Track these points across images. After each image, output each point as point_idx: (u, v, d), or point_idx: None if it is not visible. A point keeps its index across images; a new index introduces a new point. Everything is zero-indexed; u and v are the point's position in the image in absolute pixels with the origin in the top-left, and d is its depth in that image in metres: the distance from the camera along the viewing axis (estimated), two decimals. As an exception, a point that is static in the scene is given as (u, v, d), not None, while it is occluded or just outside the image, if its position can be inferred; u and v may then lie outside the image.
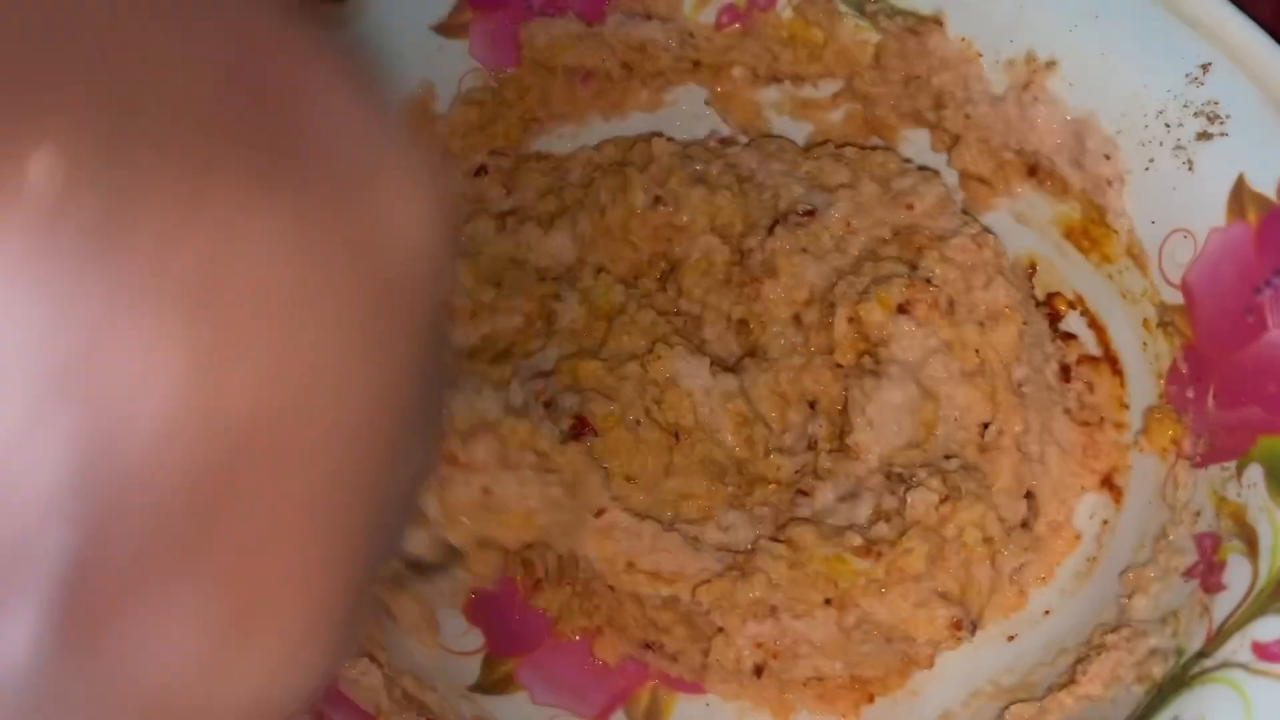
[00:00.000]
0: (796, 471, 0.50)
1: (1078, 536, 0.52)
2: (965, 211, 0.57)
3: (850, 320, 0.50)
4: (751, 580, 0.47)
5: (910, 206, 0.55)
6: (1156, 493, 0.51)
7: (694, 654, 0.50)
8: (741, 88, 0.61)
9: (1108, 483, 0.53)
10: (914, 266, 0.52)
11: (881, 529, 0.47)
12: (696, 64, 0.61)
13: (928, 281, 0.50)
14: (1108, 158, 0.54)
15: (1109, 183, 0.54)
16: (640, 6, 0.59)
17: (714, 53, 0.60)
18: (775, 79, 0.61)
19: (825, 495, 0.48)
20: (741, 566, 0.48)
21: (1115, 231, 0.54)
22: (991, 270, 0.52)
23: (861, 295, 0.51)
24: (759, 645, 0.47)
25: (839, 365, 0.52)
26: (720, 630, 0.48)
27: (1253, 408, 0.47)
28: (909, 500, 0.47)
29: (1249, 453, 0.47)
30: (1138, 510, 0.52)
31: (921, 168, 0.59)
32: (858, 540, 0.46)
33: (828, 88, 0.61)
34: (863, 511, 0.48)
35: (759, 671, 0.48)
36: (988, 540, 0.46)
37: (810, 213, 0.56)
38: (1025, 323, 0.51)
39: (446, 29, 0.57)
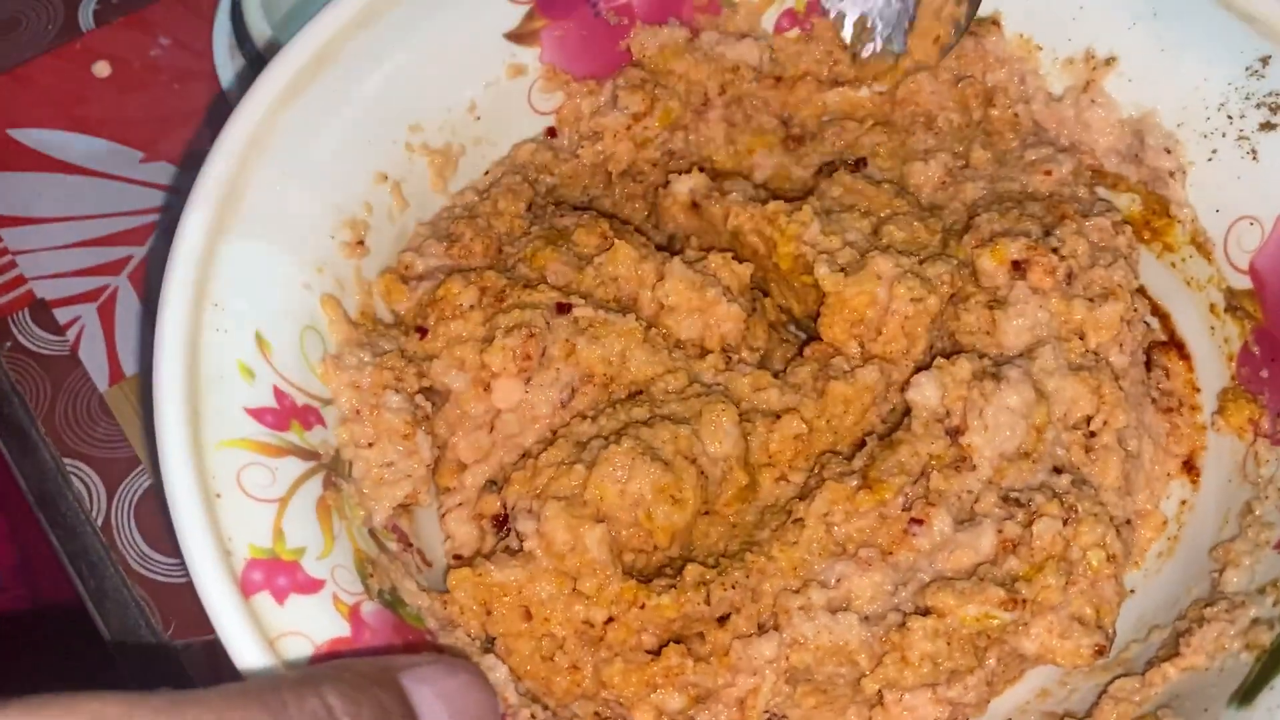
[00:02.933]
0: (904, 492, 0.49)
1: (1165, 522, 0.53)
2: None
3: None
4: (910, 655, 0.46)
5: (1048, 173, 0.57)
6: (1236, 471, 0.52)
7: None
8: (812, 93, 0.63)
9: (1188, 465, 0.54)
10: (1048, 232, 0.53)
11: (1012, 564, 0.47)
12: (778, 80, 0.63)
13: (1055, 250, 0.52)
14: (1169, 151, 0.55)
15: (1171, 175, 0.56)
16: (732, 26, 0.62)
17: (788, 62, 0.62)
18: (836, 83, 0.63)
19: (943, 522, 0.48)
20: (899, 645, 0.47)
21: (1178, 222, 0.56)
22: (1119, 255, 0.53)
23: (985, 241, 0.53)
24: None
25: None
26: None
27: (1331, 384, 0.49)
28: (1035, 532, 0.46)
29: (1332, 426, 0.48)
30: (1217, 489, 0.53)
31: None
32: (1001, 593, 0.46)
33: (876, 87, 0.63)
34: (985, 542, 0.47)
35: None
36: (1112, 558, 0.46)
37: (860, 163, 0.59)
38: (1135, 308, 0.53)
39: (518, 37, 0.58)
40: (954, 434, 0.50)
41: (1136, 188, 0.58)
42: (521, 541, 0.48)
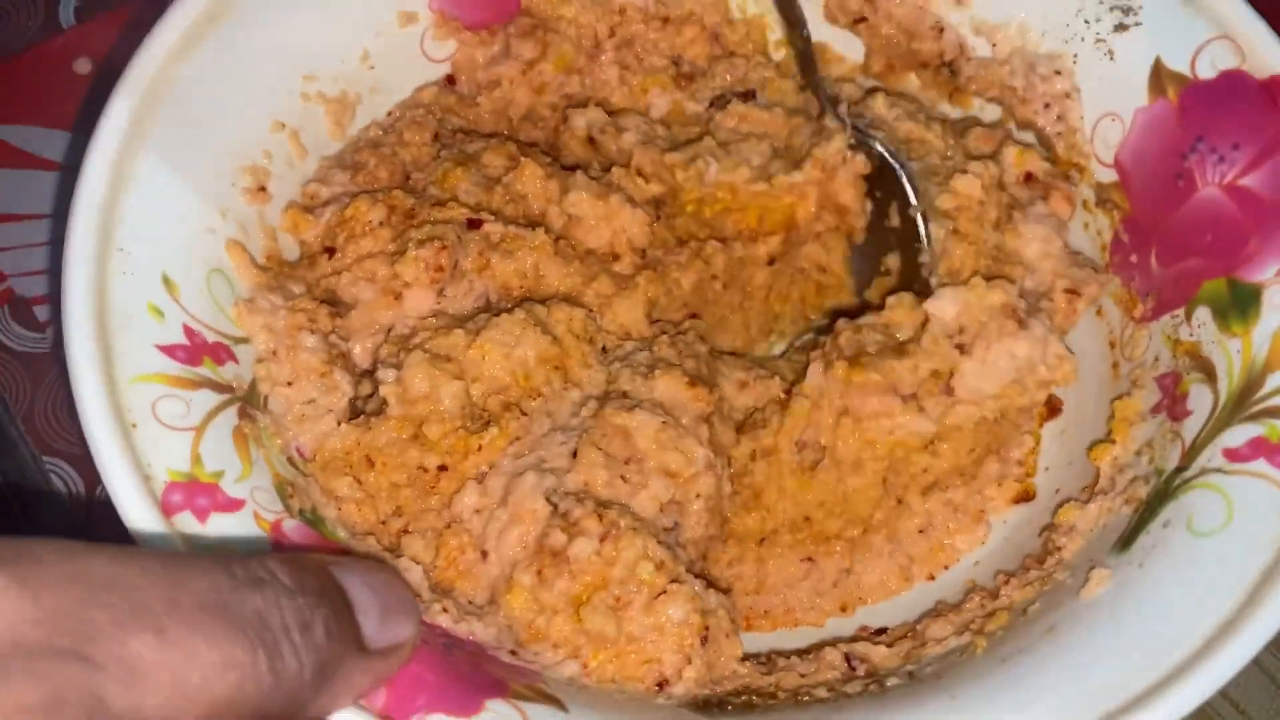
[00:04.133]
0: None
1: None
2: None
3: None
4: None
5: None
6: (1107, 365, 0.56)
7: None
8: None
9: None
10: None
11: None
12: (665, 21, 0.65)
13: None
14: (1059, 73, 0.58)
15: (1068, 96, 0.58)
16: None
17: (674, 3, 0.65)
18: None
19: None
20: None
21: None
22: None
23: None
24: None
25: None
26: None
27: (1193, 259, 0.52)
28: None
29: (1195, 298, 0.51)
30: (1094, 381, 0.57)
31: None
32: None
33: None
34: None
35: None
36: None
37: (750, 94, 0.62)
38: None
39: (407, -15, 0.60)
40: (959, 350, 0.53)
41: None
42: (377, 390, 0.49)
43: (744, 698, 0.45)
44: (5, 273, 0.69)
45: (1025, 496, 0.56)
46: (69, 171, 0.70)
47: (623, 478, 0.47)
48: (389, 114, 0.60)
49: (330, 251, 0.54)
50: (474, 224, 0.54)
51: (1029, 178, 0.57)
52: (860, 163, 0.58)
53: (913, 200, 0.58)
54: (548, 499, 0.46)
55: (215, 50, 0.53)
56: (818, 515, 0.54)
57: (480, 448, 0.48)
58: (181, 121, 0.51)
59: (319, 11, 0.56)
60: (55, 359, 0.67)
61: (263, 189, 0.54)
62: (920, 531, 0.55)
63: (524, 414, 0.49)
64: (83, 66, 0.73)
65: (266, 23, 0.55)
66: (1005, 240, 0.57)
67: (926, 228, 0.57)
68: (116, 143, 0.49)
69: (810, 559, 0.55)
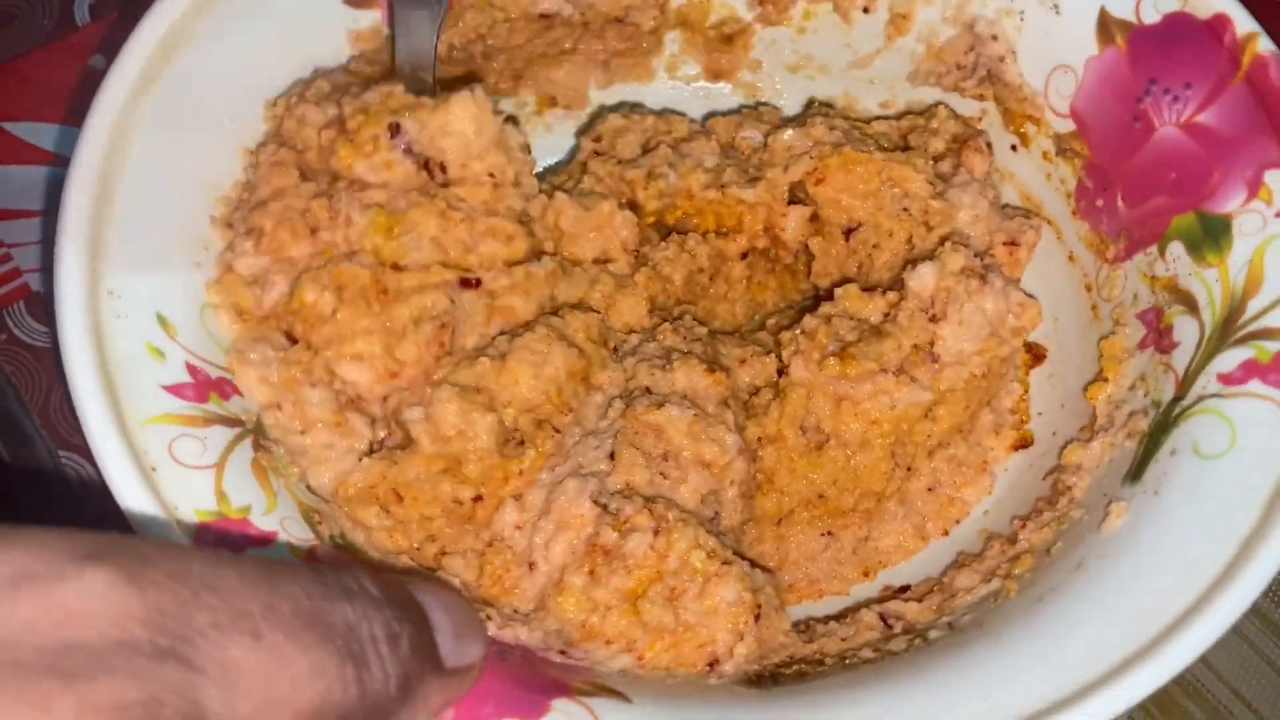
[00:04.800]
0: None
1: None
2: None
3: None
4: None
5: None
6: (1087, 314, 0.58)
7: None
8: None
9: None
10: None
11: None
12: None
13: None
14: (995, 38, 0.60)
15: (1002, 60, 0.60)
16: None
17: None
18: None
19: None
20: None
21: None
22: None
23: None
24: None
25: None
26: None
27: (1159, 198, 0.54)
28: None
29: (1166, 234, 0.53)
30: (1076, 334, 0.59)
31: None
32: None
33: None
34: None
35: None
36: None
37: None
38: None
39: (356, 1, 0.59)
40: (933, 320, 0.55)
41: (985, 93, 0.62)
42: (406, 432, 0.48)
43: (794, 668, 0.45)
44: (21, 269, 0.69)
45: (1024, 443, 0.58)
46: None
47: (662, 474, 0.47)
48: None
49: (295, 340, 0.50)
50: (468, 283, 0.51)
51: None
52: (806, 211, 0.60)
53: None
54: (594, 501, 0.46)
55: (174, 83, 0.52)
56: (831, 492, 0.55)
57: (521, 472, 0.48)
58: (153, 158, 0.50)
59: (273, 37, 0.56)
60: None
61: (229, 224, 0.52)
62: (929, 490, 0.57)
63: (557, 431, 0.49)
64: (98, 64, 0.73)
65: (220, 53, 0.54)
66: (940, 210, 0.59)
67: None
68: (91, 185, 0.48)
69: (829, 533, 0.56)
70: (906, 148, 0.62)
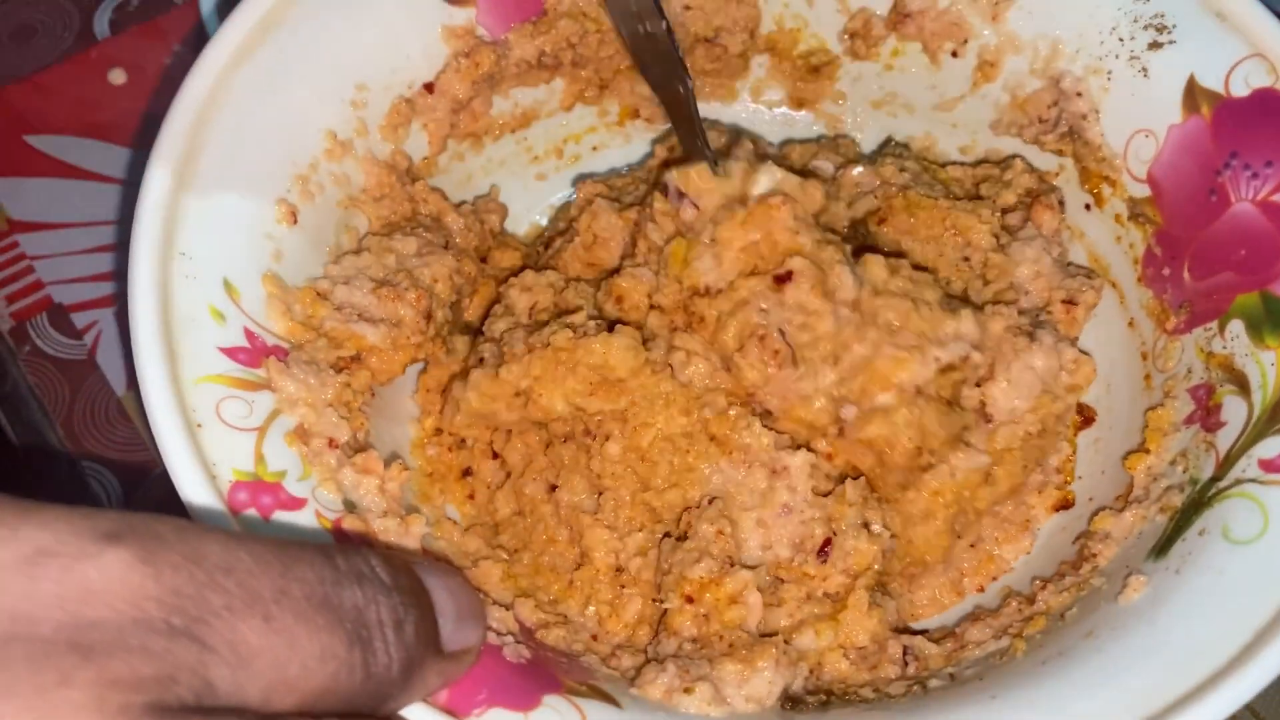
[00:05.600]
0: None
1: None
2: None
3: None
4: None
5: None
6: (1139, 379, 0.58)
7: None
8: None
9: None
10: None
11: None
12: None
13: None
14: (1080, 95, 0.59)
15: (1084, 118, 0.60)
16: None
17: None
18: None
19: None
20: None
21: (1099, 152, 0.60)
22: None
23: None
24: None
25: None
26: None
27: (1226, 273, 0.53)
28: None
29: (1228, 311, 0.53)
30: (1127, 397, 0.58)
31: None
32: None
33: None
34: None
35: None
36: None
37: None
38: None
39: (454, -3, 0.61)
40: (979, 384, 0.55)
41: (1065, 149, 0.62)
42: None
43: (819, 696, 0.46)
44: (43, 281, 0.70)
45: (1065, 504, 0.57)
46: (127, 186, 0.72)
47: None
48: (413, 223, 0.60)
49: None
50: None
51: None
52: None
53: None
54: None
55: (269, 60, 0.54)
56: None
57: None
58: (238, 128, 0.52)
59: (369, 24, 0.58)
60: (93, 365, 0.68)
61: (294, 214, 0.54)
62: (971, 546, 0.56)
63: None
64: (117, 77, 0.75)
65: (316, 34, 0.56)
66: (999, 264, 0.58)
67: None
68: (176, 148, 0.50)
69: None
70: (978, 197, 0.62)
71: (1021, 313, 0.57)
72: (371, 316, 0.54)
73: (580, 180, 0.66)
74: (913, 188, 0.59)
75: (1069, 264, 0.60)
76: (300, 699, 0.30)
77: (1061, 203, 0.61)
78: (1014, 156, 0.63)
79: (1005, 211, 0.60)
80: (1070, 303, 0.58)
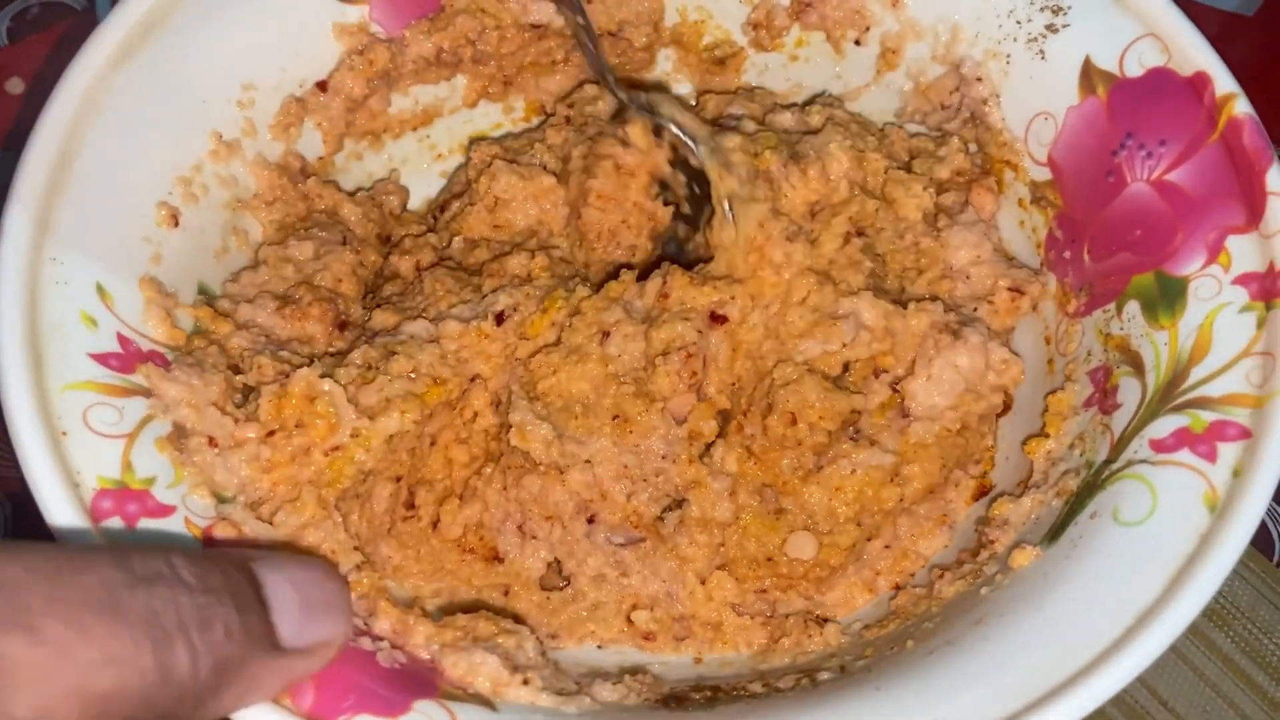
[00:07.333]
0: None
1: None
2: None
3: None
4: None
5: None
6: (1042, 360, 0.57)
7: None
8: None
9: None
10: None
11: None
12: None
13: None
14: (980, 80, 0.59)
15: (985, 102, 0.59)
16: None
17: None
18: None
19: None
20: None
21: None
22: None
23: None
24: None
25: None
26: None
27: (1123, 254, 0.53)
28: None
29: (1124, 292, 0.52)
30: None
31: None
32: None
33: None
34: None
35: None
36: None
37: None
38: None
39: (346, -6, 0.60)
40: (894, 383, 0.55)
41: (968, 136, 0.61)
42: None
43: (704, 693, 0.45)
44: None
45: (983, 491, 0.56)
46: None
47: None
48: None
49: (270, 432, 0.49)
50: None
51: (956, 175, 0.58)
52: None
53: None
54: None
55: (151, 61, 0.53)
56: (781, 560, 0.54)
57: None
58: (118, 129, 0.51)
59: (258, 22, 0.57)
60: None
61: (175, 220, 0.53)
62: (886, 546, 0.55)
63: None
64: (15, 86, 0.74)
65: (202, 35, 0.55)
66: (930, 250, 0.58)
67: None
68: (51, 149, 0.49)
69: (764, 591, 0.55)
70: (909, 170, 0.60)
71: (957, 306, 0.56)
72: (278, 337, 0.53)
73: (475, 142, 0.65)
74: (841, 131, 0.59)
75: (1009, 257, 0.59)
76: (83, 706, 0.29)
77: (998, 185, 0.60)
78: (953, 135, 0.61)
79: (940, 191, 0.59)
80: (1016, 291, 0.57)
